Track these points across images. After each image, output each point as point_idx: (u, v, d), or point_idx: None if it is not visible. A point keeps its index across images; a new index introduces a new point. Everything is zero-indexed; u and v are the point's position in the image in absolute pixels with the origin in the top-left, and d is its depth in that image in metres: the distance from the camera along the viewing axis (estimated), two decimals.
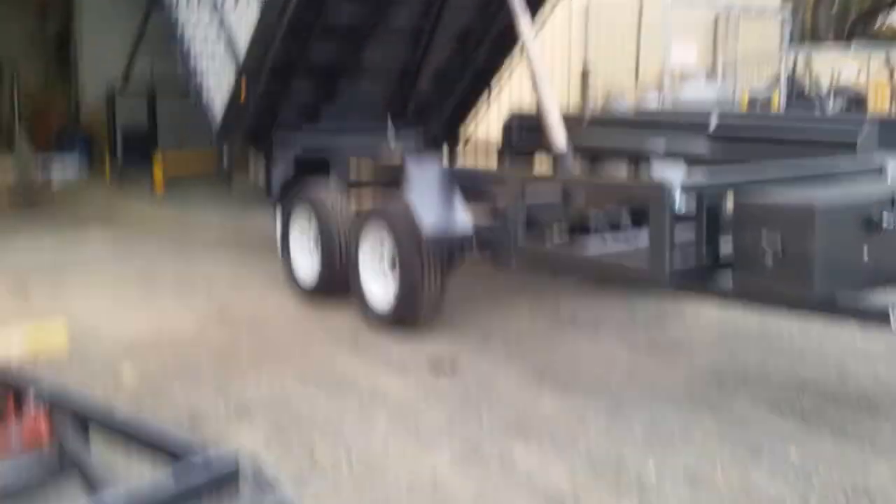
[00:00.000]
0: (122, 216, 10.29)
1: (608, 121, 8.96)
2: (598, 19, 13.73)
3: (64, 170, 11.74)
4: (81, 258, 8.08)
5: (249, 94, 7.27)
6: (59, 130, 15.08)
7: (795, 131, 7.03)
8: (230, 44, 7.56)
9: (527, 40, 6.59)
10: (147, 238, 9.05)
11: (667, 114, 11.14)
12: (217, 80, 7.94)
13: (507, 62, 8.31)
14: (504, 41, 7.99)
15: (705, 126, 7.66)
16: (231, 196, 11.50)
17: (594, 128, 8.46)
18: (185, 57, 8.29)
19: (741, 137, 7.21)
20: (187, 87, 8.30)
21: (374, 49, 7.48)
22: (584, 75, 13.72)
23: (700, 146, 7.42)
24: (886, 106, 17.39)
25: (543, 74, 6.49)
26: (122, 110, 12.79)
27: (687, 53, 14.47)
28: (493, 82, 8.51)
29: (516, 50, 8.06)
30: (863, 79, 18.37)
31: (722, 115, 8.34)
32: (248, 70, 7.24)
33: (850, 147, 6.37)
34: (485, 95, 8.61)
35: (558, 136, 6.36)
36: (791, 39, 16.95)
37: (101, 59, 14.69)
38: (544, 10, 7.93)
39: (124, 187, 12.16)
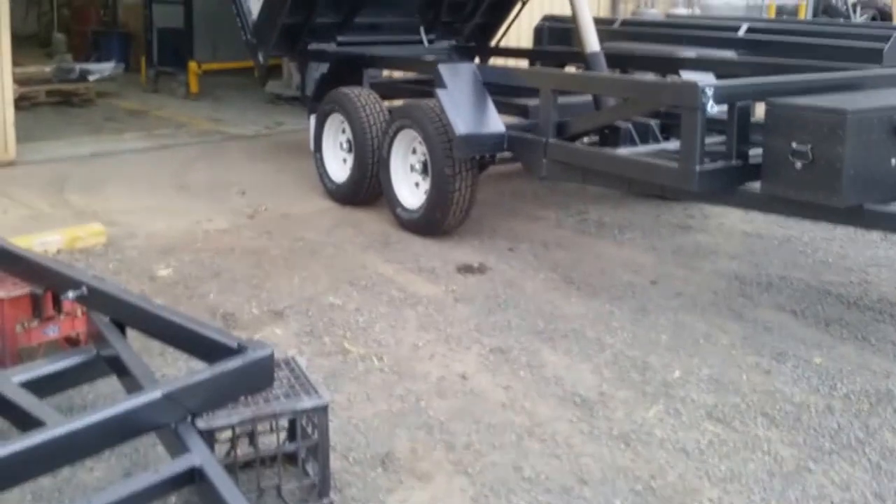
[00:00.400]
0: (157, 118, 10.14)
1: (638, 26, 8.75)
2: None
3: (101, 70, 11.54)
4: (117, 159, 7.97)
5: None
6: (97, 31, 14.84)
7: (823, 37, 6.86)
8: None
9: None
10: (182, 140, 8.91)
11: (696, 19, 10.82)
12: None
13: None
14: None
15: (735, 32, 7.51)
16: (265, 100, 11.31)
17: (624, 34, 8.28)
18: None
19: (770, 43, 7.07)
20: None
21: None
22: None
23: (730, 53, 7.26)
24: None
25: None
26: (160, 12, 12.50)
27: None
28: None
29: None
30: None
31: (751, 22, 8.11)
32: None
33: (876, 55, 6.20)
34: (517, 1, 8.29)
35: (591, 36, 6.13)
36: None
37: None
38: None
39: (160, 90, 11.97)
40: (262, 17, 7.49)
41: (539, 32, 8.66)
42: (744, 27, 7.62)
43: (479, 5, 8.24)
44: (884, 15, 16.35)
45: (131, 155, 8.14)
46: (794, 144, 4.04)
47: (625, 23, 8.85)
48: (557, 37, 8.32)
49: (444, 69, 5.55)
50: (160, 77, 12.13)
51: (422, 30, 8.08)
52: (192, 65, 11.52)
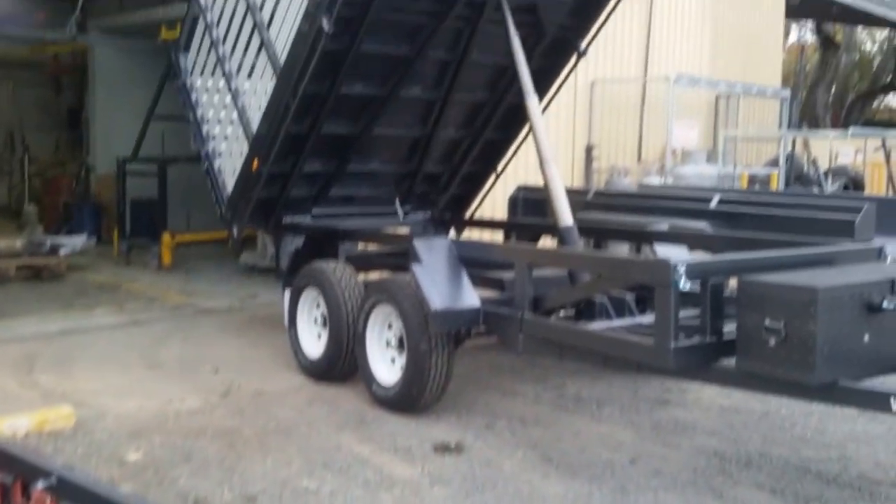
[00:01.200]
0: (129, 292, 10.31)
1: (612, 197, 9.15)
2: (603, 97, 13.94)
3: (73, 244, 11.81)
4: (88, 336, 8.07)
5: (261, 166, 7.34)
6: (69, 202, 15.24)
7: (795, 210, 7.20)
8: (243, 113, 7.66)
9: (535, 119, 6.71)
10: (154, 315, 9.05)
11: (670, 188, 11.30)
12: (228, 149, 8.05)
13: (514, 139, 8.42)
14: (513, 118, 8.10)
15: (707, 203, 7.87)
16: (239, 272, 11.56)
17: (598, 205, 8.65)
18: (197, 125, 8.41)
19: (742, 215, 7.42)
20: (199, 157, 8.39)
21: (384, 124, 7.57)
22: (588, 151, 13.88)
23: (702, 224, 7.58)
24: (883, 187, 17.57)
25: (550, 152, 6.60)
26: (133, 184, 12.89)
27: (689, 132, 14.64)
28: (501, 159, 8.61)
29: (524, 127, 8.19)
30: (860, 160, 18.62)
31: (724, 193, 8.52)
32: (260, 141, 7.32)
33: (848, 227, 6.55)
34: (492, 172, 8.70)
35: (564, 209, 6.45)
36: (790, 121, 17.16)
37: (112, 130, 14.94)
38: (551, 90, 8.04)
39: (133, 262, 12.20)
40: (237, 191, 7.82)
41: (514, 202, 9.03)
42: (716, 198, 8.00)
43: (453, 178, 8.64)
44: (856, 183, 17.10)
45: (102, 331, 8.24)
46: (767, 321, 4.23)
47: (598, 194, 9.25)
48: (532, 207, 8.70)
49: (419, 244, 5.80)
50: (132, 249, 12.38)
51: (397, 202, 8.43)
52: (166, 237, 11.81)
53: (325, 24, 6.33)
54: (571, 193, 9.37)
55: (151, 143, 12.85)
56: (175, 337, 8.10)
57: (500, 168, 8.68)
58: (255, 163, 7.43)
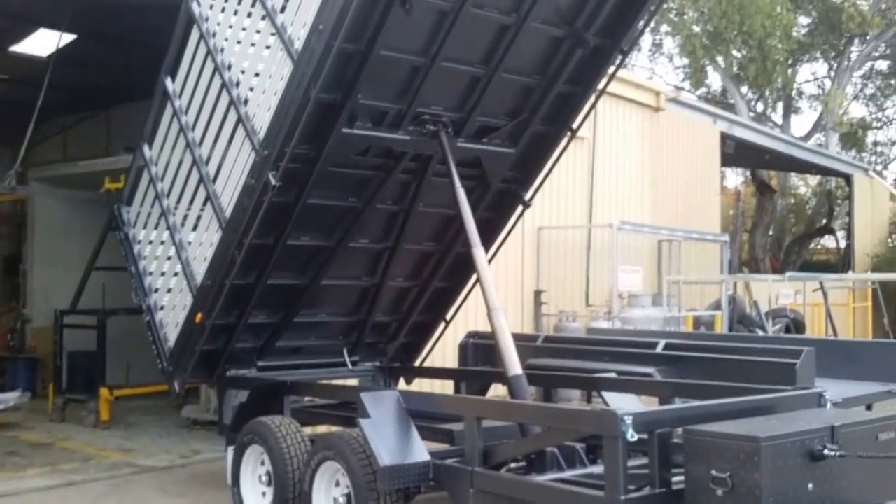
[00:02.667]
0: (63, 450, 9.97)
1: (561, 342, 9.25)
2: (550, 243, 14.25)
3: (5, 401, 11.46)
4: (18, 499, 7.74)
5: (204, 318, 7.30)
6: (3, 357, 14.88)
7: (738, 354, 7.34)
8: (187, 266, 7.67)
9: (481, 269, 6.81)
10: (89, 475, 8.72)
11: (618, 332, 11.45)
12: (171, 302, 8.02)
13: (463, 287, 8.51)
14: (461, 267, 8.22)
15: (653, 348, 7.99)
16: (181, 426, 11.28)
17: (547, 350, 8.73)
18: (139, 277, 8.37)
19: (687, 359, 7.54)
20: (140, 309, 8.33)
21: (332, 275, 7.62)
22: (537, 296, 14.07)
23: (650, 369, 7.67)
24: (823, 328, 17.99)
25: (497, 301, 6.67)
26: (70, 336, 12.67)
27: (633, 277, 14.97)
28: (450, 308, 8.67)
29: (472, 276, 8.31)
30: (800, 300, 19.12)
31: (669, 337, 8.67)
32: (204, 294, 7.31)
33: (789, 371, 6.66)
34: (442, 321, 8.74)
35: (512, 359, 6.47)
36: (730, 264, 17.63)
37: (51, 282, 14.81)
38: (498, 239, 8.20)
39: (68, 418, 11.84)
40: (179, 344, 7.75)
41: (464, 349, 9.06)
42: (661, 344, 8.13)
43: (402, 326, 8.66)
44: (797, 324, 17.49)
45: (35, 494, 7.92)
46: (713, 472, 4.30)
47: (548, 339, 9.35)
48: (483, 353, 8.73)
49: (366, 398, 5.75)
50: (68, 404, 12.05)
51: (345, 352, 8.39)
52: (104, 391, 11.53)
53: (272, 179, 6.45)
54: (521, 339, 9.49)
55: (92, 294, 12.71)
56: (111, 499, 7.80)
57: (448, 316, 8.73)
58: (199, 316, 7.41)
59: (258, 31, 6.95)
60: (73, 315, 12.41)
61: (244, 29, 7.09)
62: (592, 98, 7.44)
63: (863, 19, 30.06)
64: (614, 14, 6.84)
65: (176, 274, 7.98)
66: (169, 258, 8.11)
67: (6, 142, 15.46)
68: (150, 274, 8.37)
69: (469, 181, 7.38)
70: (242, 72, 7.04)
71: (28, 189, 15.37)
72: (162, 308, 8.20)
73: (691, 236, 16.14)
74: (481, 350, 8.80)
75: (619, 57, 7.15)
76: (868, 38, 32.05)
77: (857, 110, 36.58)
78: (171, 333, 7.97)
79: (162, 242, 8.21)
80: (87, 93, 14.91)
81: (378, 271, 7.99)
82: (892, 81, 35.15)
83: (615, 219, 14.46)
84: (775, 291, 19.23)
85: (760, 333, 16.10)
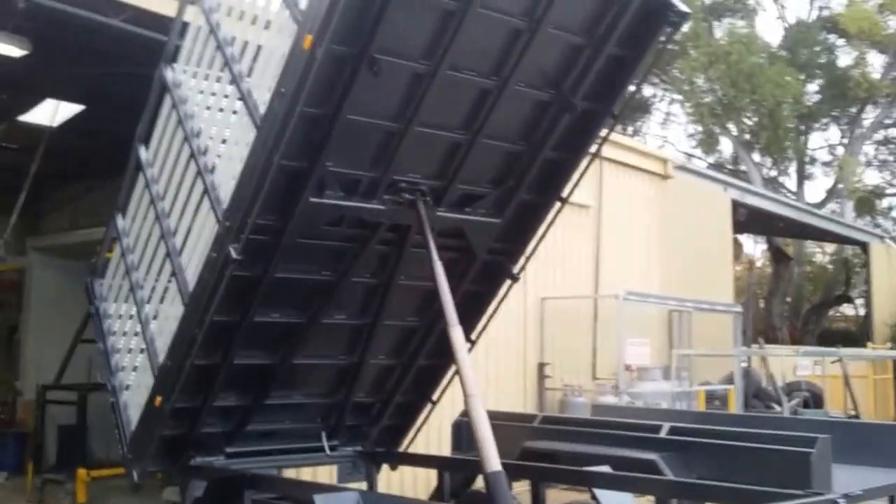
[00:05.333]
0: None
1: (559, 423, 8.68)
2: (554, 313, 13.68)
3: None
4: None
5: (164, 402, 6.71)
6: None
7: (748, 440, 6.77)
8: (151, 344, 7.12)
9: (458, 351, 6.21)
10: None
11: (622, 410, 10.80)
12: (137, 382, 7.45)
13: (450, 366, 7.89)
14: (447, 344, 7.59)
15: (656, 432, 7.45)
16: None
17: (545, 432, 8.18)
18: (106, 355, 7.84)
19: (692, 445, 7.05)
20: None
21: (307, 353, 7.03)
22: (541, 368, 13.46)
23: (653, 456, 7.12)
24: (842, 402, 17.21)
25: (475, 387, 6.05)
26: (55, 409, 12.14)
27: (641, 350, 14.31)
28: (437, 387, 8.04)
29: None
30: (818, 371, 18.39)
31: (675, 418, 8.09)
32: (165, 374, 6.73)
33: (804, 461, 6.17)
34: (428, 402, 8.11)
35: (491, 454, 5.82)
36: (744, 336, 16.93)
37: (45, 353, 14.31)
38: (486, 314, 7.60)
39: (46, 499, 11.22)
40: (140, 429, 7.13)
41: (458, 429, 8.46)
42: (665, 427, 7.55)
43: (385, 408, 8.01)
44: (816, 398, 16.70)
45: None
46: None
47: (546, 419, 8.80)
48: None
49: (320, 501, 5.13)
50: (47, 485, 11.45)
51: (324, 436, 7.75)
52: (81, 472, 10.93)
53: (233, 252, 5.91)
54: (518, 419, 8.89)
55: (78, 368, 12.23)
56: None
57: (435, 397, 8.09)
58: (158, 399, 6.81)
59: (226, 97, 6.50)
60: (57, 390, 11.92)
61: (213, 94, 6.66)
62: (584, 164, 6.87)
63: (870, 85, 29.75)
64: (603, 77, 6.30)
65: (142, 351, 7.43)
66: (136, 334, 7.57)
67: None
68: (118, 351, 7.84)
69: (452, 252, 6.83)
70: (211, 138, 6.58)
71: (25, 259, 14.99)
72: (127, 388, 7.63)
73: (702, 307, 15.48)
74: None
75: (611, 121, 6.61)
76: (880, 104, 31.67)
77: (871, 177, 36.03)
78: (134, 416, 7.38)
79: (130, 317, 7.69)
80: (96, 162, 14.65)
81: (357, 349, 7.37)
82: None
83: (622, 289, 13.86)
84: (793, 363, 18.50)
85: (777, 409, 15.38)
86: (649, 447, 7.31)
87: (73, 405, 11.69)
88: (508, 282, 7.38)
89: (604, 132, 6.81)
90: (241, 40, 6.26)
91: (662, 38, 6.24)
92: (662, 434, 7.52)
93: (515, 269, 7.30)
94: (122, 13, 8.91)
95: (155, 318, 7.27)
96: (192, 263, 6.65)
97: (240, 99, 6.19)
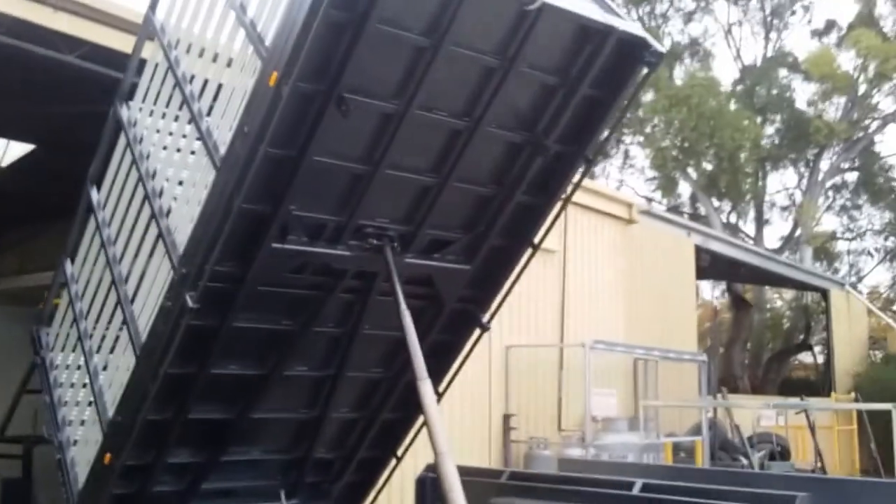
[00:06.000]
0: None
1: (527, 480, 8.40)
2: (519, 363, 13.43)
3: None
4: None
5: (114, 459, 6.33)
6: None
7: (725, 499, 6.54)
8: (100, 397, 6.78)
9: (428, 405, 5.95)
10: None
11: (590, 465, 10.55)
12: (85, 437, 7.10)
13: (415, 419, 7.60)
14: (412, 397, 7.28)
15: (629, 489, 7.20)
16: None
17: (513, 488, 7.89)
18: (52, 408, 7.47)
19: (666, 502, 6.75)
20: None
21: (266, 407, 6.70)
22: (506, 420, 13.17)
23: None
24: (807, 453, 17.13)
25: (445, 444, 5.78)
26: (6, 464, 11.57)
27: (608, 400, 14.10)
28: (401, 442, 7.73)
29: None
30: (781, 422, 18.36)
31: (647, 471, 7.86)
32: (115, 430, 6.38)
33: None
34: (392, 457, 7.79)
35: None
36: (709, 385, 16.82)
37: None
38: (453, 365, 7.34)
39: None
40: (88, 488, 6.77)
41: (422, 484, 8.11)
42: (638, 484, 7.32)
43: (348, 464, 7.68)
44: (782, 450, 16.58)
45: None
46: None
47: (514, 475, 8.51)
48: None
49: None
50: None
51: (283, 494, 7.38)
52: None
53: (190, 300, 5.61)
54: (484, 475, 8.57)
55: (23, 418, 11.67)
56: None
57: (400, 452, 7.78)
58: (108, 456, 6.44)
59: (185, 136, 6.25)
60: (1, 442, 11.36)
61: (171, 133, 6.39)
62: (556, 209, 6.68)
63: (830, 131, 30.22)
64: (577, 119, 6.12)
65: (90, 404, 7.07)
66: (84, 386, 7.21)
67: None
68: (66, 404, 7.46)
69: (420, 301, 6.58)
70: (167, 180, 6.31)
71: None
72: (75, 443, 7.26)
73: (668, 356, 15.35)
74: (435, 486, 7.89)
75: (584, 165, 6.44)
76: (837, 149, 32.17)
77: (829, 221, 36.52)
78: (82, 473, 7.00)
79: (78, 368, 7.33)
80: (46, 204, 14.24)
81: (319, 402, 7.05)
82: (863, 195, 35.14)
83: (588, 336, 13.68)
84: (756, 413, 18.44)
85: (744, 461, 15.21)
86: None
87: (18, 458, 11.15)
88: (478, 331, 7.14)
89: (576, 176, 6.64)
90: (202, 77, 6.01)
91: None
92: (635, 491, 7.28)
93: (485, 318, 7.07)
94: (77, 49, 8.61)
95: (104, 369, 6.95)
96: (145, 312, 6.35)
97: (198, 139, 5.95)
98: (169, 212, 6.17)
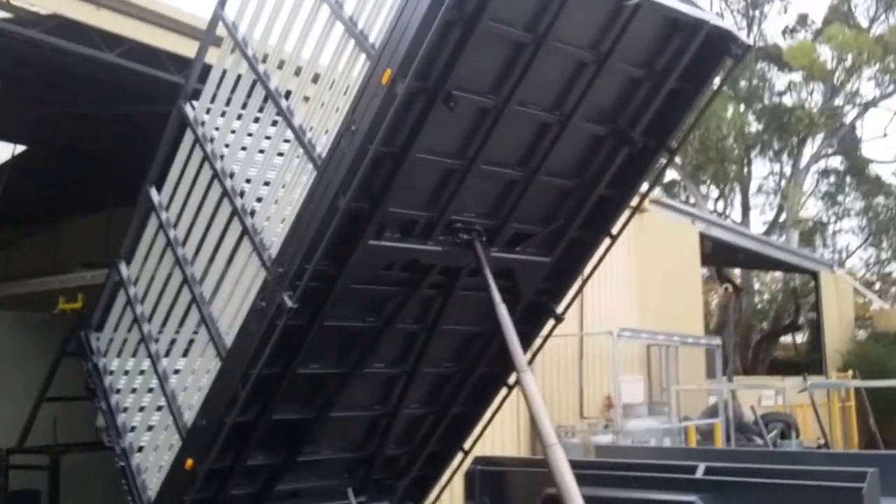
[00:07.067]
0: None
1: (582, 466, 8.32)
2: (540, 353, 13.54)
3: None
4: None
5: (197, 465, 6.32)
6: None
7: (791, 477, 6.63)
8: (173, 400, 6.76)
9: (533, 398, 6.04)
10: None
11: (626, 451, 10.66)
12: (153, 442, 7.06)
13: (483, 413, 7.70)
14: (482, 391, 7.44)
15: (692, 472, 7.24)
16: None
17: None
18: (111, 415, 7.38)
19: (733, 485, 6.79)
20: (111, 447, 7.30)
21: (342, 405, 6.76)
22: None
23: (690, 497, 6.92)
24: (811, 430, 17.50)
25: (552, 435, 5.90)
26: (18, 475, 11.39)
27: (635, 386, 14.30)
28: (469, 435, 7.80)
29: (493, 399, 7.58)
30: (780, 401, 18.72)
31: (707, 459, 7.94)
32: (197, 435, 6.37)
33: (856, 495, 6.06)
34: (458, 450, 7.86)
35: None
36: (724, 369, 17.10)
37: None
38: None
39: None
40: (163, 495, 6.75)
41: (471, 477, 8.18)
42: (701, 467, 7.38)
43: (416, 459, 7.72)
44: (790, 427, 16.95)
45: None
46: None
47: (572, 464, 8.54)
48: (492, 481, 7.88)
49: None
50: None
51: (350, 492, 7.42)
52: None
53: (288, 300, 5.62)
54: (534, 464, 8.59)
55: (41, 429, 11.53)
56: None
57: (467, 445, 7.85)
58: (189, 461, 6.42)
59: (268, 137, 6.23)
60: (20, 454, 11.21)
61: (250, 134, 6.36)
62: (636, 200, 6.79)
63: (810, 121, 30.67)
64: (661, 111, 6.21)
65: (159, 409, 7.04)
66: (150, 390, 7.17)
67: None
68: (125, 411, 7.41)
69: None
70: (248, 181, 6.29)
71: None
72: (140, 450, 7.22)
73: (687, 341, 15.56)
74: (490, 478, 7.97)
75: (668, 156, 6.55)
76: (819, 137, 32.66)
77: (814, 206, 37.11)
78: (152, 480, 6.97)
79: (141, 372, 7.28)
80: (36, 205, 14.08)
81: (391, 399, 7.11)
82: (847, 179, 35.73)
83: (604, 325, 13.83)
84: (758, 394, 18.79)
85: (759, 441, 15.49)
86: (686, 489, 7.09)
87: (43, 469, 11.00)
88: (552, 321, 7.24)
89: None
90: (287, 78, 6.02)
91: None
92: (699, 474, 7.32)
93: (559, 309, 7.16)
94: (117, 47, 8.54)
95: (176, 372, 6.91)
96: (227, 313, 6.35)
97: (286, 140, 5.96)
98: (253, 212, 6.17)
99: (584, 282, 7.10)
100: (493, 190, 6.14)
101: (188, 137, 6.83)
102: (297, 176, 5.80)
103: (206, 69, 6.87)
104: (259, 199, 6.18)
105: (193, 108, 6.91)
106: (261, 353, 5.88)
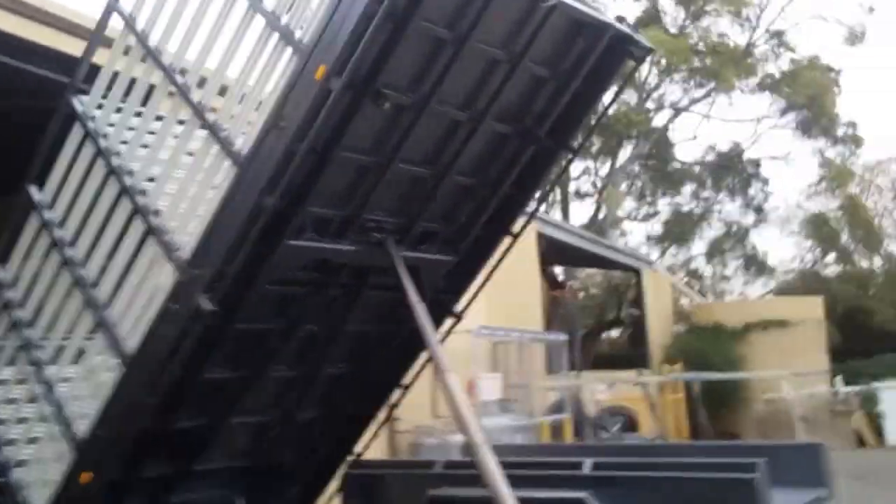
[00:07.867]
0: None
1: (464, 467, 8.36)
2: None
3: None
4: None
5: (97, 476, 6.04)
6: None
7: (681, 470, 6.75)
8: (61, 409, 6.39)
9: (458, 399, 6.09)
10: None
11: (502, 449, 10.77)
12: (37, 455, 6.65)
13: (375, 415, 7.75)
14: (376, 391, 7.56)
15: (579, 467, 7.36)
16: None
17: (450, 478, 7.90)
18: None
19: (623, 480, 6.80)
20: None
21: (240, 411, 6.63)
22: (390, 409, 13.32)
23: (580, 493, 6.98)
24: (650, 423, 18.49)
25: (479, 434, 5.99)
26: None
27: (493, 383, 14.57)
28: (359, 439, 7.81)
29: (385, 402, 7.73)
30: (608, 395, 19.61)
31: (595, 456, 8.13)
32: (94, 446, 6.05)
33: (749, 485, 6.16)
34: (347, 456, 7.84)
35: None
36: (572, 364, 17.75)
37: None
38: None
39: None
40: None
41: (346, 482, 8.14)
42: (588, 463, 7.41)
43: (306, 464, 7.64)
44: (631, 422, 17.84)
45: None
46: None
47: (449, 465, 8.49)
48: (367, 486, 7.80)
49: None
50: None
51: (241, 502, 7.28)
52: None
53: (206, 303, 5.49)
54: (415, 466, 8.62)
55: None
56: None
57: (357, 450, 7.86)
58: (85, 475, 6.12)
59: (176, 136, 6.05)
60: None
61: (152, 133, 6.15)
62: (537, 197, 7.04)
63: (629, 121, 32.26)
64: (563, 111, 6.50)
65: (43, 420, 6.67)
66: (32, 400, 6.78)
67: None
68: (2, 422, 6.97)
69: (391, 292, 6.69)
70: (151, 179, 6.08)
71: None
72: (20, 464, 6.81)
73: (538, 338, 16.08)
74: (364, 483, 7.93)
75: (569, 156, 6.83)
76: (635, 139, 34.36)
77: (630, 206, 38.99)
78: (37, 496, 6.58)
79: (20, 381, 6.87)
80: None
81: (285, 403, 7.03)
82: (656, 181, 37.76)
83: (476, 324, 13.98)
84: (590, 389, 19.57)
85: (604, 435, 16.21)
86: (575, 485, 7.08)
87: None
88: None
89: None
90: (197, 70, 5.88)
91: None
92: (586, 470, 7.32)
93: (459, 308, 7.31)
94: None
95: (65, 380, 6.58)
96: (128, 317, 6.10)
97: (197, 136, 5.82)
98: (156, 212, 5.97)
99: (486, 280, 7.26)
100: (405, 188, 6.23)
101: (76, 132, 6.52)
102: (211, 173, 5.66)
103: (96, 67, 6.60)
104: (165, 198, 5.99)
105: (82, 102, 6.59)
106: (172, 358, 5.72)
